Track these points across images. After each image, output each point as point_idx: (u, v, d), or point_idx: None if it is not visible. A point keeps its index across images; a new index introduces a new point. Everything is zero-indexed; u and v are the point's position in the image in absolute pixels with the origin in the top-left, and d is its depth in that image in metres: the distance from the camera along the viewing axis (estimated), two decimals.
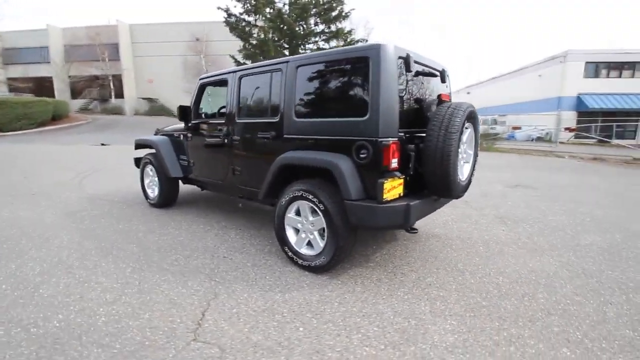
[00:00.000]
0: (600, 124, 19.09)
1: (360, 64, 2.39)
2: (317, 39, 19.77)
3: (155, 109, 30.38)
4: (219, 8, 18.59)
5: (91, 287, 2.48)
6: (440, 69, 3.02)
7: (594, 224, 4.25)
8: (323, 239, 2.66)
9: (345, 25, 19.43)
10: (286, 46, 19.48)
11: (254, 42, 18.86)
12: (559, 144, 15.90)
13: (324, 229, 2.64)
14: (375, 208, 2.30)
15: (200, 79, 3.86)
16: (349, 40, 19.77)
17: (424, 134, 2.59)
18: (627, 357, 1.86)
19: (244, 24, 19.36)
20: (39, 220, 3.99)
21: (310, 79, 2.71)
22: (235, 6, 19.40)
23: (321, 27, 19.74)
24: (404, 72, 2.45)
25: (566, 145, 17.01)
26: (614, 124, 18.80)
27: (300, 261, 2.77)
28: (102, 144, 14.25)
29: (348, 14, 19.18)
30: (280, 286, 2.55)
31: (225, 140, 3.42)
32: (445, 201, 3.01)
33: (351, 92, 2.48)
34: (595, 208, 5.05)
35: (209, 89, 3.87)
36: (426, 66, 2.80)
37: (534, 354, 1.87)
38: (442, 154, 2.37)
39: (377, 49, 2.31)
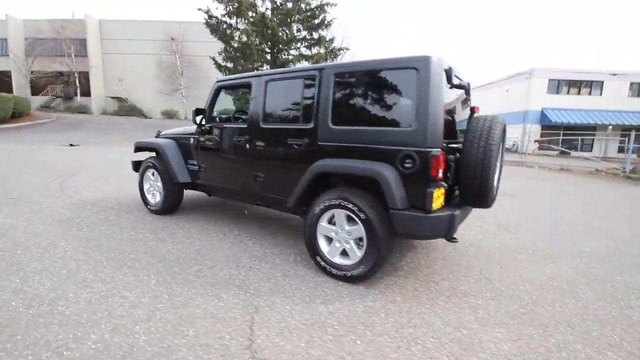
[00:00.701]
0: (561, 137, 20.54)
1: (407, 75, 2.41)
2: (299, 45, 19.85)
3: (126, 108, 28.99)
4: (199, 9, 18.21)
5: (117, 303, 2.29)
6: (466, 82, 3.12)
7: (585, 232, 4.53)
8: (360, 248, 2.64)
9: (326, 33, 19.67)
10: (268, 51, 19.38)
11: (236, 45, 18.61)
12: (527, 154, 16.91)
13: (360, 238, 2.62)
14: (424, 218, 2.31)
15: (217, 82, 3.72)
16: (330, 48, 20.02)
17: (459, 145, 2.65)
18: None
19: (225, 26, 19.06)
20: (29, 229, 3.64)
21: (350, 87, 2.69)
22: (217, 8, 19.10)
23: (303, 33, 19.86)
24: (446, 84, 2.50)
25: (532, 156, 18.10)
26: (575, 137, 20.30)
27: (334, 271, 2.71)
28: (71, 145, 13.37)
29: (330, 22, 19.44)
30: (319, 297, 2.48)
31: (247, 146, 3.31)
32: (471, 210, 3.09)
33: (396, 102, 2.50)
34: (580, 216, 5.41)
35: (226, 92, 3.74)
36: (458, 79, 2.88)
37: (586, 359, 1.95)
38: (482, 166, 2.43)
39: (426, 60, 2.34)
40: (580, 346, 2.06)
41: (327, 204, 2.69)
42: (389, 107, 2.52)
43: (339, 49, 20.00)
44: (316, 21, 19.24)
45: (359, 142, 2.61)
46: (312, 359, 1.83)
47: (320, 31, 19.50)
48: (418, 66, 2.36)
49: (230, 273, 2.81)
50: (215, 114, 3.84)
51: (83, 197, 5.13)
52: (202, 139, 3.80)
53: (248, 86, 3.41)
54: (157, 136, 4.64)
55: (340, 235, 2.71)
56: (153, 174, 4.35)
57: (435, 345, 1.99)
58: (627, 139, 11.89)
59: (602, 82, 24.17)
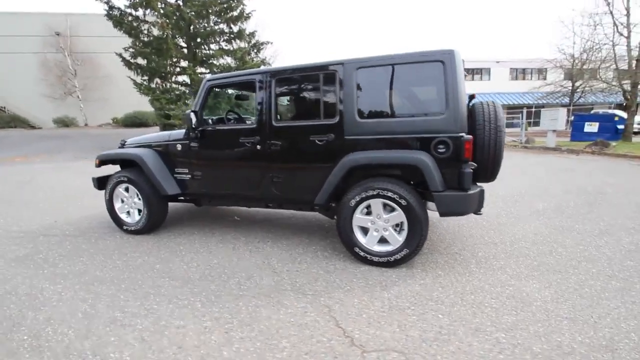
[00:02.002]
0: None
1: (433, 67, 2.60)
2: (220, 38, 18.79)
3: (5, 119, 23.80)
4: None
5: (178, 334, 2.05)
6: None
7: (528, 194, 5.47)
8: (399, 233, 2.79)
9: (246, 26, 18.96)
10: (184, 45, 17.97)
11: (146, 39, 16.77)
12: None
13: (398, 224, 2.78)
14: (465, 196, 2.57)
15: (207, 80, 3.41)
16: (252, 42, 19.45)
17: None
18: None
19: (130, 18, 17.00)
20: None
21: (374, 81, 2.78)
22: None
23: (222, 26, 18.84)
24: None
25: None
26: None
27: (376, 258, 2.83)
28: None
29: (249, 14, 18.82)
30: (376, 285, 2.57)
31: (259, 147, 3.16)
32: None
33: (423, 92, 2.68)
34: (514, 182, 6.47)
35: (216, 92, 3.46)
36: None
37: (602, 290, 2.45)
38: (495, 145, 2.79)
39: (451, 53, 2.57)
40: (592, 282, 2.57)
41: (363, 196, 2.77)
42: (416, 98, 2.70)
43: (262, 43, 19.57)
44: (234, 13, 18.42)
45: (389, 133, 2.74)
46: (415, 339, 1.93)
47: (239, 24, 18.75)
48: (444, 59, 2.57)
49: (273, 280, 2.71)
50: (208, 115, 3.53)
51: (20, 228, 4.23)
52: (194, 144, 3.47)
53: (250, 84, 3.23)
54: (123, 146, 4.06)
55: (378, 224, 2.83)
56: (127, 189, 3.82)
57: (499, 304, 2.28)
58: (520, 115, 14.32)
59: (490, 68, 28.49)
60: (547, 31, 52.31)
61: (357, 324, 2.10)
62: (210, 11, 17.40)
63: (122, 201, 3.91)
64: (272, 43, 20.20)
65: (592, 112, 20.50)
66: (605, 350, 1.82)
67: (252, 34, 19.71)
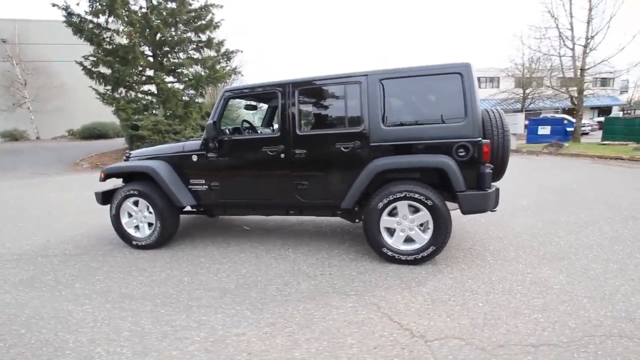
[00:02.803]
0: None
1: (452, 79, 2.86)
2: (188, 47, 18.39)
3: None
4: (54, 5, 14.98)
5: (241, 341, 2.06)
6: None
7: (507, 192, 5.97)
8: (424, 232, 2.99)
9: (215, 35, 18.74)
10: (150, 54, 17.40)
11: (109, 47, 16.05)
12: None
13: (423, 223, 2.98)
14: (486, 195, 2.83)
15: (226, 91, 3.41)
16: (222, 51, 19.24)
17: None
18: None
19: (91, 25, 16.18)
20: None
21: (399, 91, 2.99)
22: (78, 4, 16.00)
23: (190, 35, 18.48)
24: None
25: None
26: None
27: (403, 257, 2.99)
28: None
29: (218, 23, 18.65)
30: (411, 282, 2.73)
31: (283, 155, 3.23)
32: None
33: (444, 102, 2.92)
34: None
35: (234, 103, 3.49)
36: None
37: (618, 269, 2.80)
38: (502, 147, 3.10)
39: (467, 66, 2.84)
40: (594, 265, 2.92)
41: (391, 198, 2.94)
42: (436, 107, 2.94)
43: (232, 52, 19.41)
44: (203, 22, 18.16)
45: (412, 139, 2.95)
46: (467, 326, 2.11)
47: (208, 32, 18.49)
48: (462, 71, 2.84)
49: (311, 284, 2.78)
50: (226, 124, 3.53)
51: (9, 250, 3.92)
52: (212, 154, 3.46)
53: (272, 95, 3.30)
54: (128, 159, 3.93)
55: (404, 224, 3.01)
56: (136, 203, 3.70)
57: (526, 290, 2.53)
58: None
59: None
60: (504, 44, 56.69)
61: (409, 317, 2.24)
62: (178, 20, 17.03)
63: (130, 215, 3.77)
64: (242, 51, 20.09)
65: (542, 116, 22.52)
66: (627, 321, 2.11)
67: (221, 43, 19.50)
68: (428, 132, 2.92)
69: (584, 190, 5.92)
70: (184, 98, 17.18)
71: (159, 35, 16.45)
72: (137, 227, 3.77)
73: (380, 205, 2.97)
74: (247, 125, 3.98)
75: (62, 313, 2.49)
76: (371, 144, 3.02)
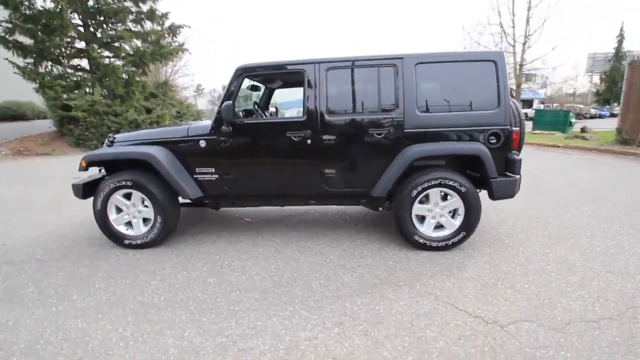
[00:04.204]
0: None
1: (486, 66, 2.87)
2: (127, 18, 16.35)
3: None
4: None
5: (317, 345, 1.89)
6: None
7: None
8: (454, 219, 3.03)
9: (157, 6, 16.87)
10: (80, 23, 15.16)
11: (29, 12, 13.61)
12: None
13: (453, 210, 3.02)
14: (516, 181, 2.94)
15: (241, 69, 3.02)
16: (167, 25, 17.49)
17: None
18: None
19: None
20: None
21: (433, 76, 2.92)
22: None
23: (129, 4, 16.43)
24: None
25: None
26: None
27: (434, 244, 3.01)
28: None
29: None
30: (450, 268, 2.76)
31: (309, 142, 2.99)
32: None
33: (477, 89, 2.92)
34: None
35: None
36: None
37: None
38: (521, 136, 3.24)
39: (501, 55, 2.88)
40: (596, 242, 3.23)
41: (425, 186, 2.91)
42: (471, 94, 2.93)
43: (178, 26, 17.72)
44: None
45: (446, 126, 2.93)
46: (529, 308, 2.19)
47: (151, 3, 16.59)
48: (496, 59, 2.87)
49: (355, 276, 2.66)
50: (240, 107, 3.16)
51: None
52: (224, 139, 3.08)
53: (296, 75, 3.01)
54: (112, 143, 3.34)
55: (435, 211, 3.01)
56: (129, 196, 3.18)
57: (555, 268, 2.71)
58: None
59: None
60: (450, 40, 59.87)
61: (471, 304, 2.25)
62: None
63: (120, 210, 3.24)
64: (189, 27, 18.50)
65: None
66: None
67: (165, 15, 17.70)
68: (461, 119, 2.93)
69: (548, 176, 6.53)
70: (123, 75, 15.34)
71: (91, 1, 14.35)
72: (129, 223, 3.26)
73: (414, 192, 2.93)
74: (257, 108, 3.63)
75: (75, 334, 2.05)
76: (405, 131, 2.94)
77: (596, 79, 43.15)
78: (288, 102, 9.25)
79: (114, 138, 3.36)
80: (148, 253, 3.17)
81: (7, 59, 13.05)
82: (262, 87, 4.02)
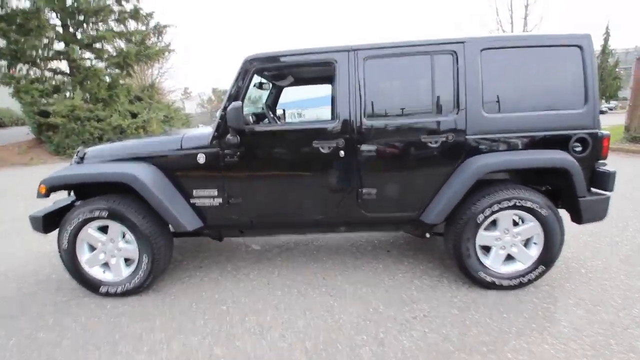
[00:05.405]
0: None
1: (569, 53, 2.22)
2: (109, 17, 15.40)
3: None
4: None
5: None
6: None
7: None
8: (528, 248, 2.37)
9: (141, 5, 15.92)
10: (59, 23, 14.19)
11: (4, 11, 12.59)
12: None
13: (528, 238, 2.36)
14: (607, 200, 2.29)
15: (251, 60, 2.30)
16: (151, 24, 16.58)
17: None
18: None
19: None
20: None
21: (503, 66, 2.24)
22: None
23: (110, 2, 15.49)
24: None
25: None
26: None
27: (505, 282, 2.34)
28: None
29: None
30: (536, 316, 2.09)
31: (342, 153, 2.29)
32: None
33: (560, 82, 2.27)
34: None
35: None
36: None
37: None
38: None
39: (588, 37, 2.22)
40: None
41: (495, 208, 2.24)
42: (551, 88, 2.28)
43: (164, 26, 16.83)
44: None
45: (520, 131, 2.27)
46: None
47: (134, 1, 15.66)
48: (582, 43, 2.22)
49: (415, 336, 1.96)
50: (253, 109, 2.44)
51: None
52: (231, 152, 2.35)
53: (324, 66, 2.32)
54: (82, 160, 2.58)
55: (505, 240, 2.35)
56: (104, 229, 2.44)
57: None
58: None
59: None
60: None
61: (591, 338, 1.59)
62: None
63: (93, 248, 2.49)
64: (175, 26, 17.63)
65: None
66: None
67: (150, 15, 16.79)
68: (539, 121, 2.27)
69: None
70: (106, 78, 14.41)
71: (69, 0, 13.40)
72: (106, 264, 2.51)
73: (481, 217, 2.26)
74: (269, 111, 2.91)
75: None
76: (468, 137, 2.27)
77: None
78: (289, 103, 8.49)
79: (85, 153, 2.60)
80: (132, 304, 2.42)
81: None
82: (269, 85, 3.30)
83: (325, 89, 3.69)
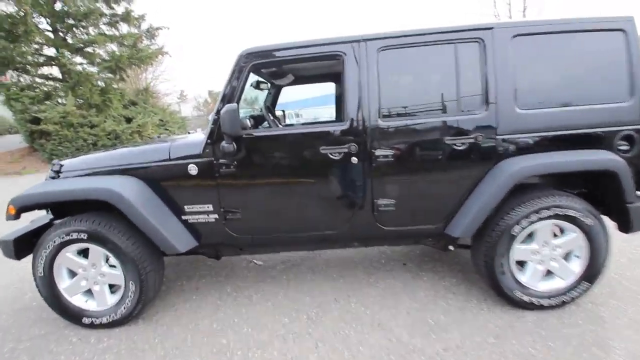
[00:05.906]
0: None
1: (612, 38, 1.93)
2: (99, 21, 15.06)
3: None
4: None
5: None
6: None
7: None
8: (569, 262, 2.08)
9: (132, 7, 15.55)
10: (49, 28, 13.85)
11: None
12: None
13: (569, 251, 2.07)
14: None
15: (247, 55, 2.00)
16: (144, 27, 16.24)
17: None
18: None
19: None
20: None
21: (536, 55, 1.94)
22: None
23: (100, 5, 15.12)
24: None
25: None
26: None
27: (545, 302, 2.05)
28: None
29: None
30: (585, 342, 1.80)
31: (355, 159, 2.00)
32: None
33: (600, 72, 1.97)
34: None
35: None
36: None
37: None
38: None
39: (632, 21, 1.93)
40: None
41: (533, 219, 1.95)
42: (592, 79, 1.98)
43: (157, 28, 16.49)
44: None
45: (558, 129, 1.97)
46: None
47: (125, 4, 15.31)
48: (626, 28, 1.93)
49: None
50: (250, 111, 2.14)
51: None
52: (227, 161, 2.05)
53: (331, 60, 2.02)
54: (58, 174, 2.27)
55: (544, 254, 2.05)
56: (84, 253, 2.14)
57: None
58: None
59: None
60: None
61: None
62: None
63: (74, 274, 2.19)
64: (168, 28, 17.30)
65: None
66: None
67: (141, 17, 16.44)
68: (579, 117, 1.97)
69: None
70: (98, 83, 14.07)
71: (59, 4, 13.07)
72: (92, 295, 2.21)
73: (517, 229, 1.97)
74: (269, 113, 2.60)
75: None
76: (499, 137, 1.97)
77: None
78: (287, 104, 8.16)
79: (61, 166, 2.29)
80: (119, 337, 2.12)
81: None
82: (268, 84, 2.99)
83: (324, 88, 3.42)
